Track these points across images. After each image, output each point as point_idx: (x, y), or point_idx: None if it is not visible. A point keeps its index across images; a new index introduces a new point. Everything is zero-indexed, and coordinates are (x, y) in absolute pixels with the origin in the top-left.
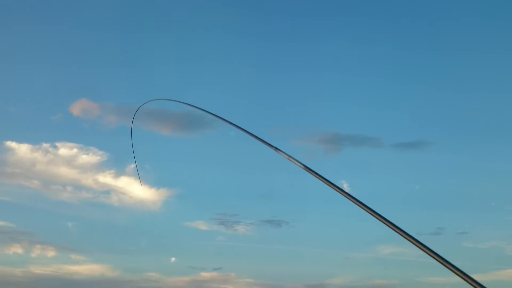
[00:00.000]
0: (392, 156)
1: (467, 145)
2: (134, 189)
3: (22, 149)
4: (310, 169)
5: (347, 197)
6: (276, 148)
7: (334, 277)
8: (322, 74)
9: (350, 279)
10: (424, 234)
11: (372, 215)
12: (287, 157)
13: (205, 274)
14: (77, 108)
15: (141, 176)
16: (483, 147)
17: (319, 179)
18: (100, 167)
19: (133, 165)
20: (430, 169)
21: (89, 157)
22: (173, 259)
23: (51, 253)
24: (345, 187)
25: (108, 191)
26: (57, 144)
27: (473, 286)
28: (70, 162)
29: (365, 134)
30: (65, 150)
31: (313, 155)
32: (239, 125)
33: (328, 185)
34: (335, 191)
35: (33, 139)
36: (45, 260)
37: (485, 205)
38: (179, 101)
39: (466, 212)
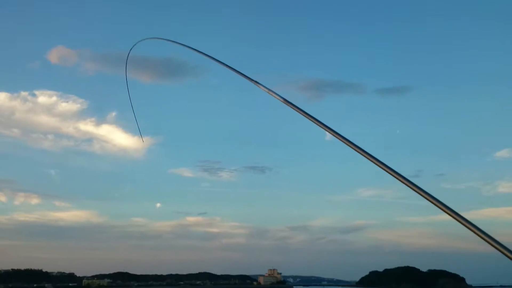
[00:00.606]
0: (374, 102)
1: (447, 90)
2: (117, 137)
3: (0, 98)
4: (288, 102)
5: (327, 130)
6: (256, 82)
7: (316, 219)
8: (305, 22)
9: (331, 220)
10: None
11: (356, 150)
12: (267, 90)
13: (191, 219)
14: (54, 56)
15: (123, 124)
16: (462, 92)
17: (298, 111)
18: (81, 115)
19: (114, 113)
20: (411, 114)
21: (69, 105)
22: (158, 204)
23: (34, 201)
24: (327, 133)
25: (90, 139)
26: (36, 92)
27: (454, 218)
28: (50, 110)
29: (347, 80)
30: (44, 98)
31: (295, 102)
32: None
33: (308, 118)
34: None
35: (11, 87)
36: (29, 208)
37: (463, 148)
38: (173, 41)
39: (444, 155)
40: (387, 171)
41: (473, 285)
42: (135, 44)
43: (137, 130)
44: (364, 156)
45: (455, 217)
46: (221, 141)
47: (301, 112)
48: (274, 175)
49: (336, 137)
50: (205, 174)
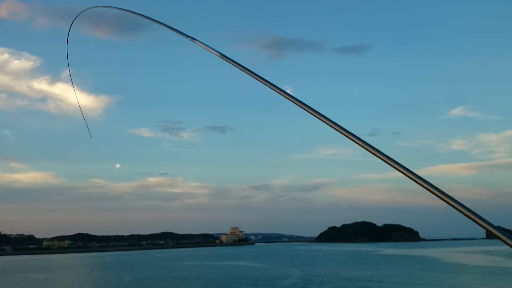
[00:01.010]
0: (334, 61)
1: (405, 49)
2: (72, 96)
3: None
4: (226, 57)
5: (289, 98)
6: (193, 38)
7: (277, 178)
8: None
9: (291, 178)
10: (361, 135)
11: (312, 114)
12: (203, 46)
13: (152, 179)
14: (4, 10)
15: (78, 82)
16: (420, 51)
17: (236, 66)
18: (34, 73)
19: (68, 71)
20: (370, 73)
21: (21, 63)
22: (118, 165)
23: None
24: (289, 92)
25: (44, 98)
26: None
27: (408, 176)
28: (2, 68)
29: (309, 38)
30: None
31: (256, 59)
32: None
33: (247, 73)
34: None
35: None
36: None
37: (419, 106)
38: (122, 9)
39: (400, 113)
40: (342, 133)
41: (426, 238)
42: (80, 13)
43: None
44: (318, 118)
45: (408, 175)
46: (182, 101)
47: (239, 66)
48: (236, 135)
49: (292, 101)
50: (165, 134)
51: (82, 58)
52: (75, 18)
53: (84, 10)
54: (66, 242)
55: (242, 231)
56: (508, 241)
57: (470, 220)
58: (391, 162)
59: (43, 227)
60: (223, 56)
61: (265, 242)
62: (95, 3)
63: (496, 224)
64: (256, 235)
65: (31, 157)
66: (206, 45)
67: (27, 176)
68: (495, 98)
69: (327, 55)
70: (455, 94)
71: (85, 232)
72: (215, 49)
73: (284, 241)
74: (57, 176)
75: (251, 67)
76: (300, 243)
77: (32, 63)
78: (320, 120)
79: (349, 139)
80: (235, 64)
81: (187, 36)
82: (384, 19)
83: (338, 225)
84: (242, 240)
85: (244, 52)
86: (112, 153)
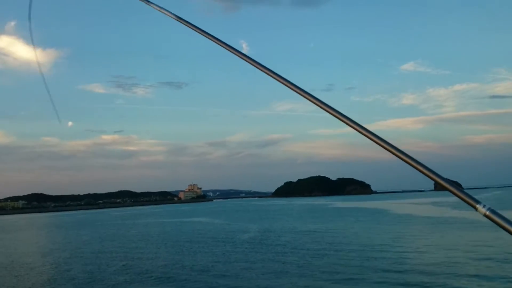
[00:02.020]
0: (289, 14)
1: (360, 3)
2: (17, 50)
3: None
4: (182, 19)
5: (245, 59)
6: (148, 1)
7: (234, 134)
8: None
9: (248, 135)
10: (316, 90)
11: (268, 74)
12: (159, 9)
13: (106, 137)
14: None
15: (24, 35)
16: (372, 4)
17: (193, 28)
18: None
19: (13, 23)
20: (324, 27)
21: None
22: (70, 123)
23: None
24: (244, 46)
25: None
26: None
27: (361, 132)
28: None
29: None
30: None
31: (211, 11)
32: None
33: (204, 35)
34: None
35: None
36: None
37: (371, 60)
38: None
39: (354, 68)
40: (297, 92)
41: (377, 191)
42: None
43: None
44: (272, 77)
45: (360, 130)
46: (134, 55)
47: (196, 29)
48: (191, 91)
49: (238, 56)
50: (118, 90)
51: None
52: None
53: None
54: (20, 202)
55: (200, 188)
56: (456, 191)
57: (420, 173)
58: (343, 119)
59: None
60: (179, 19)
61: (223, 198)
62: None
63: (444, 176)
64: (214, 191)
65: None
66: (161, 7)
67: None
68: (445, 53)
69: (282, 8)
70: (406, 49)
71: (39, 192)
72: (171, 11)
73: (242, 197)
74: (6, 135)
75: (206, 19)
76: (257, 198)
77: None
78: (275, 79)
79: (303, 97)
80: (192, 27)
81: None
82: None
83: (294, 180)
84: (200, 196)
85: (199, 2)
86: (63, 110)
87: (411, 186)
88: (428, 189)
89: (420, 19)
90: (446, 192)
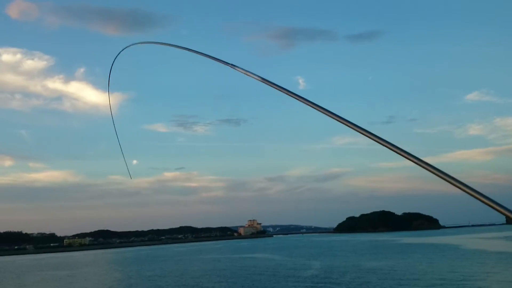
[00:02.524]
0: (345, 49)
1: (418, 34)
2: (87, 95)
3: None
4: (267, 81)
5: (301, 101)
6: (233, 65)
7: (293, 169)
8: None
9: (307, 169)
10: (377, 123)
11: (325, 113)
12: (244, 72)
13: (168, 174)
14: (14, 10)
15: (92, 80)
16: (433, 36)
17: (276, 88)
18: (48, 73)
19: (82, 69)
20: (382, 59)
21: (34, 63)
22: (134, 161)
23: (8, 163)
24: (301, 82)
25: (59, 97)
26: None
27: (424, 167)
28: (15, 69)
29: (319, 27)
30: (7, 56)
31: (266, 51)
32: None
33: (285, 93)
34: (291, 87)
35: None
36: (2, 170)
37: (433, 91)
38: (159, 43)
39: (415, 99)
40: (355, 129)
41: (446, 226)
42: (120, 52)
43: (106, 86)
44: (329, 116)
45: (421, 165)
46: (195, 95)
47: (279, 88)
48: (249, 127)
49: (311, 106)
50: (180, 129)
51: (95, 55)
52: (117, 55)
53: (125, 48)
54: (87, 239)
55: (260, 223)
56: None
57: (487, 206)
58: (402, 153)
59: (64, 225)
60: (264, 80)
61: (283, 234)
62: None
63: None
64: (274, 227)
65: (49, 156)
66: (247, 70)
67: (46, 175)
68: (511, 81)
69: (338, 43)
70: (470, 78)
71: (105, 229)
72: (256, 73)
73: (303, 233)
74: (76, 174)
75: (260, 58)
76: (318, 234)
77: (45, 62)
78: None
79: (361, 134)
80: (276, 87)
81: (227, 63)
82: (394, 4)
83: (357, 215)
84: (260, 232)
85: (254, 43)
86: (128, 149)
87: (481, 219)
88: (499, 223)
89: (482, 47)
90: None
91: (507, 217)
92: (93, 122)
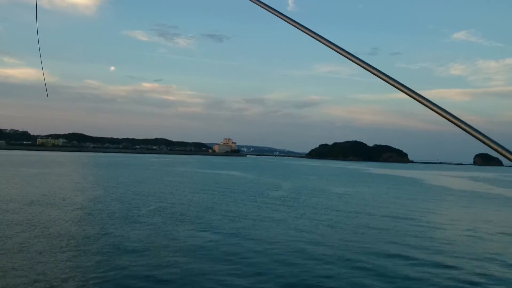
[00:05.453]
0: None
1: None
2: None
3: None
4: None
5: (287, 21)
6: None
7: (272, 92)
8: None
9: (286, 94)
10: (360, 54)
11: (310, 35)
12: None
13: (146, 85)
14: None
15: None
16: None
17: (262, 6)
18: None
19: None
20: None
21: None
22: (112, 68)
23: None
24: (290, 3)
25: None
26: None
27: (410, 95)
28: None
29: None
30: None
31: None
32: None
33: (271, 12)
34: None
35: None
36: None
37: (422, 26)
38: None
39: (402, 33)
40: (341, 53)
41: (414, 161)
42: None
43: None
44: (314, 38)
45: (410, 94)
46: (178, 4)
47: (266, 7)
48: (232, 45)
49: (298, 27)
50: (160, 39)
51: None
52: None
53: None
54: (61, 140)
55: (235, 143)
56: (508, 155)
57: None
58: (394, 83)
59: (37, 124)
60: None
61: (256, 155)
62: None
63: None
64: (248, 147)
65: (24, 53)
66: None
67: (20, 71)
68: (500, 25)
69: None
70: (459, 17)
71: (79, 132)
72: None
73: (276, 155)
74: (51, 74)
75: None
76: (290, 157)
77: None
78: (317, 40)
79: (347, 59)
80: (262, 5)
81: None
82: None
83: (330, 143)
84: (234, 151)
85: None
86: (106, 54)
87: (449, 158)
88: (466, 163)
89: None
90: (485, 167)
91: (491, 147)
92: (71, 22)
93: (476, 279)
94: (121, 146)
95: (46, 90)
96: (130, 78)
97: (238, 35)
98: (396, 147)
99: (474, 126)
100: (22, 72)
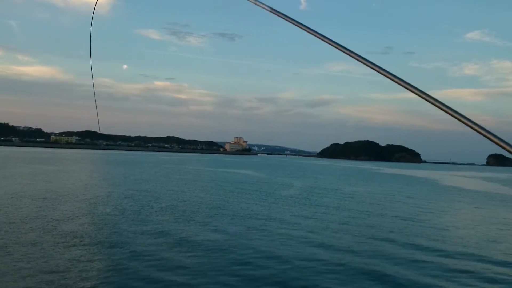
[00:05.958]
0: None
1: None
2: None
3: None
4: (263, 4)
5: (303, 28)
6: None
7: (284, 91)
8: None
9: (298, 93)
10: (373, 53)
11: (321, 38)
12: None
13: (159, 83)
14: None
15: None
16: None
17: (273, 12)
18: None
19: None
20: None
21: None
22: (125, 66)
23: None
24: (303, 2)
25: None
26: None
27: (421, 96)
28: None
29: None
30: None
31: None
32: None
33: (280, 16)
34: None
35: None
36: None
37: (435, 26)
38: None
39: (415, 33)
40: (352, 56)
41: (427, 161)
42: None
43: None
44: (327, 42)
45: (420, 95)
46: (190, 2)
47: (276, 13)
48: (244, 44)
49: (309, 31)
50: (173, 38)
51: None
52: None
53: None
54: (74, 138)
55: (246, 141)
56: None
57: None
58: (405, 84)
59: (51, 121)
60: (273, 10)
61: (267, 154)
62: None
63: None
64: (259, 146)
65: (38, 51)
66: None
67: (34, 69)
68: None
69: None
70: (473, 17)
71: (92, 130)
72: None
73: (287, 154)
74: (65, 72)
75: None
76: (302, 157)
77: None
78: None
79: (359, 61)
80: (287, 18)
81: None
82: None
83: (342, 142)
84: (245, 150)
85: None
86: (119, 52)
87: (462, 159)
88: (479, 163)
89: None
90: (499, 168)
91: (502, 147)
92: (84, 20)
93: (488, 282)
94: (133, 144)
95: (98, 125)
96: (143, 77)
97: (250, 34)
98: (409, 147)
99: (488, 127)
100: (36, 70)
